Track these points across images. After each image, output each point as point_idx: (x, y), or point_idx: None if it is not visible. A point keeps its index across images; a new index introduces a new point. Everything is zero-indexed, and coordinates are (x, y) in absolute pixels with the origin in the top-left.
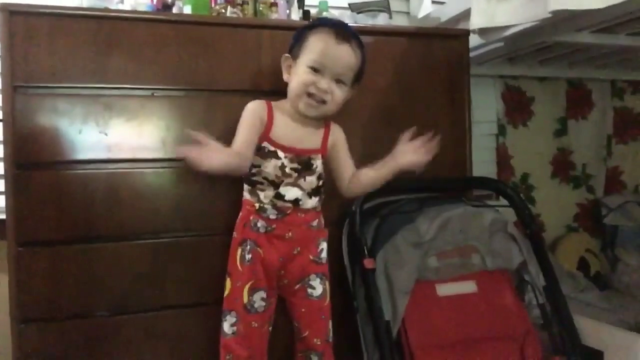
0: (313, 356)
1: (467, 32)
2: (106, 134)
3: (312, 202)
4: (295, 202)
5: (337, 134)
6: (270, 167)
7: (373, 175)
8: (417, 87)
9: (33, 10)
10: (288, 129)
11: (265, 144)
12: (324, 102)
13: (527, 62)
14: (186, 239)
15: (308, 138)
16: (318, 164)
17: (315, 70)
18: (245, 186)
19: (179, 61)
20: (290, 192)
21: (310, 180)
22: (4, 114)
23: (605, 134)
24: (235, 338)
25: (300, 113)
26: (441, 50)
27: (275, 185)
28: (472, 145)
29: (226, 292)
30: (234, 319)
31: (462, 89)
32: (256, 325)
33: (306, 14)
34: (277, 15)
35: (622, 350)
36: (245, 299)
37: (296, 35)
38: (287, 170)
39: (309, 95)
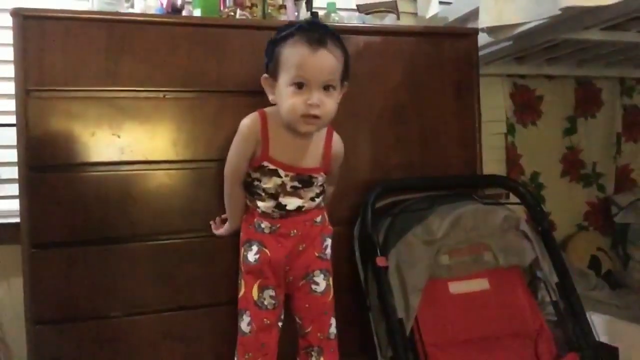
0: (314, 352)
1: (476, 31)
2: (119, 136)
3: (315, 203)
4: (298, 209)
5: (336, 148)
6: (270, 184)
7: None
8: (426, 87)
9: (46, 15)
10: (287, 146)
11: (265, 162)
12: (319, 117)
13: (534, 61)
14: (199, 239)
15: (308, 155)
16: (319, 179)
17: (299, 85)
18: (247, 194)
19: (189, 63)
20: (292, 202)
21: (309, 190)
22: (17, 117)
23: (615, 132)
24: (251, 336)
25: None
26: (450, 50)
27: (275, 197)
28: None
29: (241, 292)
30: (249, 318)
31: (471, 88)
32: (268, 322)
33: (314, 15)
34: (285, 17)
35: (638, 346)
36: (256, 297)
37: (268, 51)
38: (288, 188)
39: (303, 116)
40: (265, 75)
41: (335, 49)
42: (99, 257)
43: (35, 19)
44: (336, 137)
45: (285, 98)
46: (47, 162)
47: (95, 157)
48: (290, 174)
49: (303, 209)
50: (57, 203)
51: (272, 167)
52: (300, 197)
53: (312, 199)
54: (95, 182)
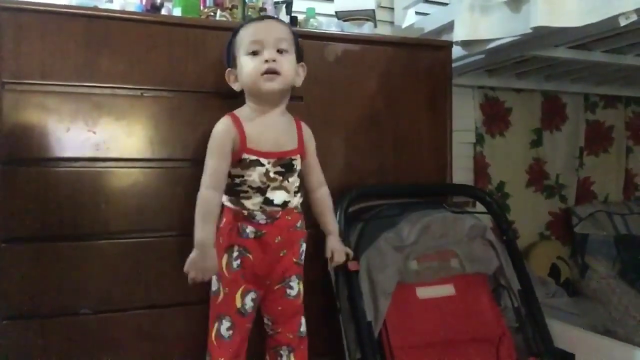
0: (283, 351)
1: (450, 44)
2: (94, 133)
3: (297, 200)
4: (284, 204)
5: (307, 135)
6: (255, 175)
7: (320, 219)
8: (400, 95)
9: (23, 7)
10: (263, 134)
11: (245, 155)
12: (277, 72)
13: (505, 74)
14: (172, 238)
15: (284, 138)
16: (298, 163)
17: (254, 53)
18: (226, 196)
19: (168, 62)
20: (279, 196)
21: (293, 180)
22: None
23: (578, 145)
24: (231, 342)
25: (266, 97)
26: (424, 60)
27: (262, 191)
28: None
29: (220, 298)
30: (229, 323)
31: (444, 99)
32: (249, 325)
33: (294, 20)
34: None
35: (593, 353)
36: (239, 304)
37: (226, 49)
38: (272, 175)
39: (262, 74)
40: (228, 69)
41: (283, 23)
42: (69, 254)
43: (12, 11)
44: (303, 123)
45: (244, 69)
46: (20, 156)
47: (70, 152)
48: (272, 159)
49: (287, 206)
50: (28, 198)
51: (253, 157)
52: (286, 190)
53: (295, 193)
54: (68, 177)
